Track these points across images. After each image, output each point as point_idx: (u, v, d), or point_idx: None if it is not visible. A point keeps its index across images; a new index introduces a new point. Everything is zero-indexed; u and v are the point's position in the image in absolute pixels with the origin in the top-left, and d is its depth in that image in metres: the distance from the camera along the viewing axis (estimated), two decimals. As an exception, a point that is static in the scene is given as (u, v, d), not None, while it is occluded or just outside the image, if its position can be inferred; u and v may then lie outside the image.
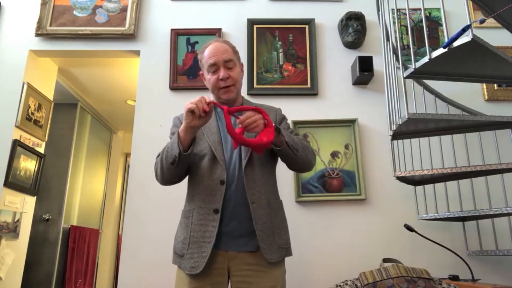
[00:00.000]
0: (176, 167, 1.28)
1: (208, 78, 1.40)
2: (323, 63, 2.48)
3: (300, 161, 1.37)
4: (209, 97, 1.27)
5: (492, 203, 2.05)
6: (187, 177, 1.44)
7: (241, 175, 1.32)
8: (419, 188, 2.17)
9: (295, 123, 2.31)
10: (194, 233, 1.30)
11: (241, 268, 1.29)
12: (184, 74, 2.43)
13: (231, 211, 1.30)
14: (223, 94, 1.39)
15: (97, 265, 3.85)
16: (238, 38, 2.48)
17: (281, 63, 2.46)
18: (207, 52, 1.40)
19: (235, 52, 1.45)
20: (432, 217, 2.04)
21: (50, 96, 2.80)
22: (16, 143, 2.38)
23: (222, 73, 1.36)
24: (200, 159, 1.36)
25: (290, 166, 1.43)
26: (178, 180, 1.39)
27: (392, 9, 2.04)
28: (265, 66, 2.45)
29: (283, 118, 1.52)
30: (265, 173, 1.37)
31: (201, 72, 1.47)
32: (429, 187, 2.17)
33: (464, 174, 1.95)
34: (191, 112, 1.19)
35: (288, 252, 1.37)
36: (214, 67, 1.38)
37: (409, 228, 1.99)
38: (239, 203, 1.31)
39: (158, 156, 1.36)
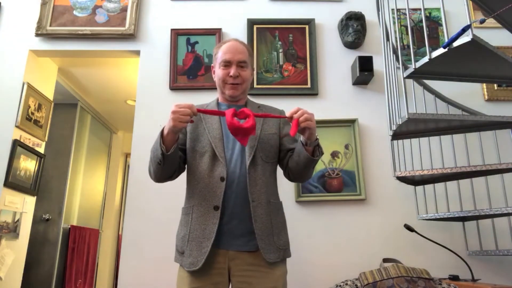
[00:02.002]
0: (163, 166, 1.29)
1: (218, 73, 1.43)
2: (323, 63, 2.48)
3: (308, 174, 1.41)
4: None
5: (492, 203, 2.05)
6: (185, 174, 1.44)
7: (243, 173, 1.32)
8: (419, 188, 2.17)
9: (295, 123, 2.30)
10: (193, 230, 1.30)
11: (241, 268, 1.28)
12: (184, 74, 2.43)
13: (231, 209, 1.30)
14: (229, 90, 1.42)
15: (97, 265, 3.85)
16: (238, 38, 2.47)
17: (281, 63, 2.46)
18: (224, 48, 1.43)
19: (250, 55, 1.48)
20: (432, 217, 2.04)
21: (50, 96, 2.80)
22: (16, 143, 2.37)
23: (233, 70, 1.39)
24: (200, 156, 1.37)
25: (292, 174, 1.43)
26: (170, 177, 1.40)
27: (392, 9, 2.04)
28: (265, 66, 2.45)
29: (286, 121, 1.52)
30: (267, 173, 1.37)
31: (212, 65, 1.50)
32: (429, 187, 2.17)
33: (464, 174, 1.95)
34: (178, 128, 1.22)
35: (287, 254, 1.37)
36: (227, 63, 1.40)
37: (409, 228, 1.99)
38: (239, 202, 1.31)
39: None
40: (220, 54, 1.43)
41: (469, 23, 1.45)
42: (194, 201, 1.34)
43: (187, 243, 1.30)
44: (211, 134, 1.38)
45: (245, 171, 1.32)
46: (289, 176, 1.46)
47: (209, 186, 1.32)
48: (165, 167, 1.30)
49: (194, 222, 1.31)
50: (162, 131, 1.26)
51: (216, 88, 1.50)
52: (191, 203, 1.36)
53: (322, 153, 1.34)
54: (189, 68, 2.44)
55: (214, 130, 1.38)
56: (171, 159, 1.29)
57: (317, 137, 1.30)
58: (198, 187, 1.34)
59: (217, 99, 1.51)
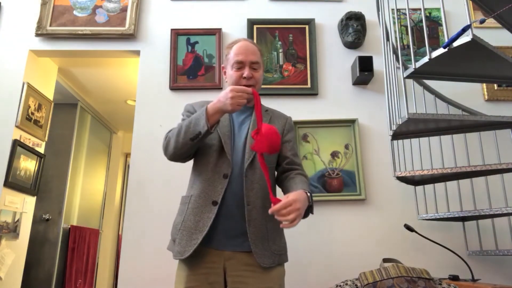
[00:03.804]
0: (195, 143, 1.28)
1: (231, 74, 1.41)
2: (323, 63, 2.48)
3: None
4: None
5: (492, 203, 2.05)
6: (191, 167, 1.44)
7: (241, 175, 1.32)
8: (419, 188, 2.17)
9: (295, 123, 2.30)
10: (187, 220, 1.31)
11: (237, 268, 1.28)
12: (184, 74, 2.43)
13: (228, 209, 1.30)
14: None
15: (97, 265, 3.85)
16: (238, 38, 2.48)
17: (281, 63, 2.46)
18: (236, 49, 1.41)
19: (262, 55, 1.48)
20: (432, 217, 2.04)
21: (50, 96, 2.79)
22: (16, 143, 2.37)
23: (246, 71, 1.38)
24: (208, 148, 1.36)
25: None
26: (186, 158, 1.38)
27: (392, 9, 2.04)
28: (265, 66, 2.44)
29: (291, 128, 1.52)
30: (264, 177, 1.36)
31: (223, 65, 1.50)
32: (429, 187, 2.16)
33: (464, 174, 1.95)
34: (236, 110, 1.23)
35: (282, 259, 1.35)
36: (240, 65, 1.39)
37: (409, 228, 1.98)
38: (236, 202, 1.31)
39: (170, 131, 1.35)
40: (232, 55, 1.41)
41: (469, 23, 1.45)
42: (194, 192, 1.34)
43: (179, 232, 1.31)
44: (221, 130, 1.37)
45: (244, 173, 1.32)
46: (279, 185, 1.47)
47: (211, 180, 1.32)
48: (196, 145, 1.29)
49: (189, 212, 1.31)
50: (206, 109, 1.25)
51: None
52: (190, 193, 1.36)
53: (312, 213, 1.29)
54: (189, 68, 2.44)
55: (224, 127, 1.38)
56: (205, 139, 1.29)
57: (310, 202, 1.24)
58: (200, 179, 1.34)
59: None
